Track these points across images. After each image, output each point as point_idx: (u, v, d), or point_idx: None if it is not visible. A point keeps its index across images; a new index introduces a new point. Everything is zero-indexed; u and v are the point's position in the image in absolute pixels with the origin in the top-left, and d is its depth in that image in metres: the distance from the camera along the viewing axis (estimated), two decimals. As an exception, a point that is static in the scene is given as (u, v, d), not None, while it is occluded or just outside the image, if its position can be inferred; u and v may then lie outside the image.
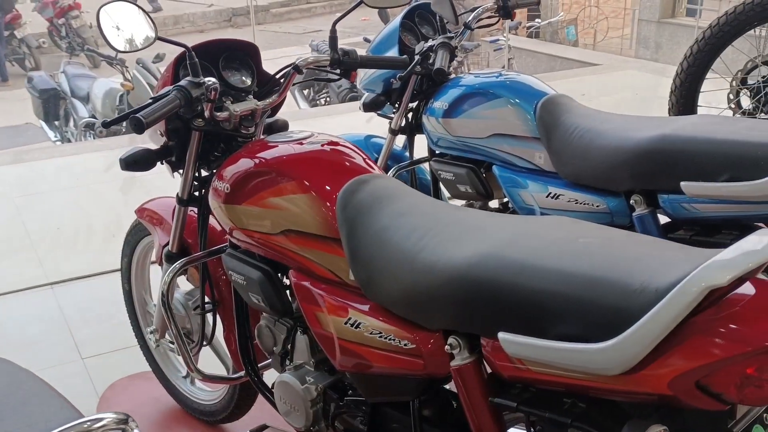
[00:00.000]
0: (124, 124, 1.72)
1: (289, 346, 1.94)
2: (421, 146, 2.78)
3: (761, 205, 1.90)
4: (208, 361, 2.34)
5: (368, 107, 2.66)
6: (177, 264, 2.08)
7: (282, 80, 2.05)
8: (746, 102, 3.11)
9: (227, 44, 2.05)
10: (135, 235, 2.50)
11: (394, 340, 1.54)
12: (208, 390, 2.53)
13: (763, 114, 3.04)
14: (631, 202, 2.13)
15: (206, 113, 1.90)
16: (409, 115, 2.75)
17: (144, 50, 1.82)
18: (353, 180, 1.72)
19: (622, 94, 6.60)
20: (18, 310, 3.30)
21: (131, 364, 2.80)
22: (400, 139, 2.83)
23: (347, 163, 1.81)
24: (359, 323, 1.60)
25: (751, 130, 1.98)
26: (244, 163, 1.86)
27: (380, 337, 1.56)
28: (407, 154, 2.82)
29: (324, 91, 7.85)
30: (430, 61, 2.48)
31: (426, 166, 2.79)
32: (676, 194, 2.03)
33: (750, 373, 1.13)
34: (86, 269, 3.61)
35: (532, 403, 1.35)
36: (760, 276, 1.26)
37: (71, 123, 7.18)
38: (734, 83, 3.10)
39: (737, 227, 2.00)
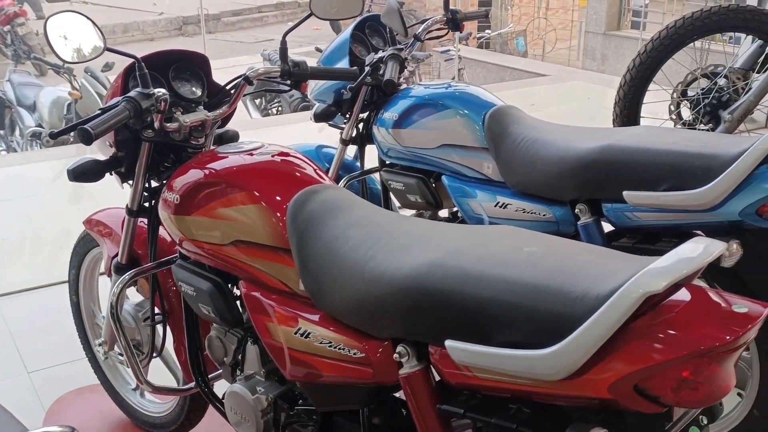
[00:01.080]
0: (73, 134, 1.70)
1: (239, 357, 1.94)
2: (372, 156, 2.80)
3: (699, 214, 1.96)
4: (159, 373, 2.33)
5: (319, 118, 2.68)
6: (126, 275, 2.06)
7: (232, 91, 2.05)
8: (687, 113, 3.20)
9: (177, 55, 2.05)
10: (83, 246, 2.48)
11: (343, 349, 1.55)
12: (158, 402, 2.51)
13: (702, 125, 3.13)
14: (576, 210, 2.18)
15: (156, 124, 1.90)
16: (360, 125, 2.77)
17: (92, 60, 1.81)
18: (303, 191, 1.74)
19: (569, 104, 6.72)
20: (-39, 324, 3.23)
21: (79, 377, 2.76)
22: (352, 149, 2.85)
23: (297, 174, 1.82)
24: (309, 333, 1.61)
25: (691, 141, 2.04)
26: (194, 174, 1.86)
27: (330, 346, 1.58)
28: (359, 164, 2.84)
29: (276, 100, 7.84)
30: (381, 72, 2.51)
31: (377, 176, 2.81)
32: (619, 203, 2.08)
33: (685, 376, 1.17)
34: (33, 281, 3.55)
35: (479, 410, 1.38)
36: (698, 282, 1.31)
37: (17, 132, 7.04)
38: (675, 95, 3.19)
39: (677, 235, 2.06)
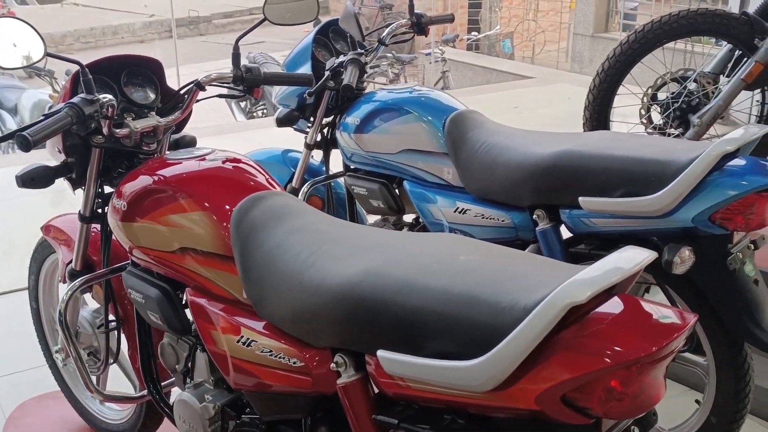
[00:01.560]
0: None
1: (189, 365, 1.92)
2: (338, 161, 2.78)
3: (654, 220, 1.95)
4: (118, 380, 2.31)
5: (281, 122, 2.67)
6: (77, 282, 2.05)
7: (186, 96, 2.04)
8: (657, 117, 3.19)
9: (129, 60, 2.03)
10: (41, 253, 2.46)
11: (284, 358, 1.54)
12: (116, 409, 2.49)
13: (672, 129, 3.12)
14: (534, 216, 2.17)
15: (105, 130, 1.88)
16: (326, 130, 2.76)
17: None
18: (249, 197, 1.72)
19: (552, 106, 6.71)
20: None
21: (42, 383, 2.74)
22: (318, 154, 2.84)
23: (245, 181, 1.80)
24: (251, 341, 1.60)
25: (646, 147, 2.03)
26: (142, 181, 1.84)
27: (271, 355, 1.56)
28: (325, 169, 2.83)
29: (261, 103, 7.83)
30: (342, 76, 2.50)
31: (342, 180, 2.79)
32: (577, 209, 2.06)
33: (612, 386, 1.16)
34: (1, 285, 3.52)
35: (413, 420, 1.36)
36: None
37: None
38: (645, 99, 3.18)
39: (634, 241, 2.03)
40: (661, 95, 3.18)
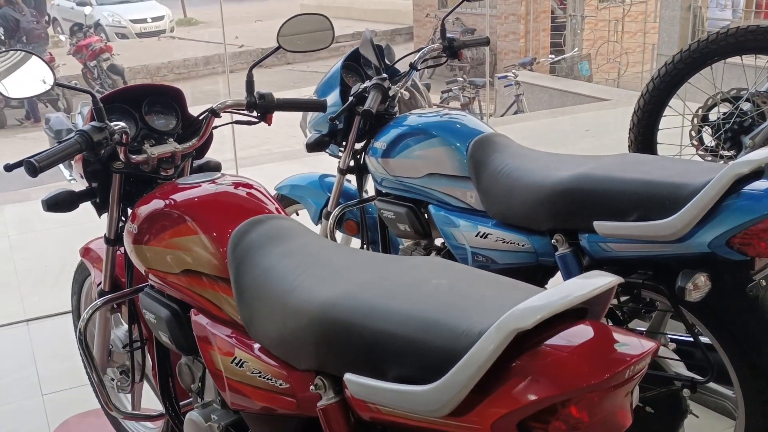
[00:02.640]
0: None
1: (201, 384, 1.96)
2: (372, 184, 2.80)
3: (670, 245, 1.88)
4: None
5: (311, 147, 2.71)
6: (98, 301, 2.12)
7: (203, 122, 2.10)
8: (708, 139, 3.08)
9: (150, 89, 2.11)
10: (81, 274, 2.56)
11: (271, 379, 1.56)
12: (150, 426, 2.56)
13: (724, 150, 3.00)
14: (553, 241, 2.12)
15: (121, 156, 1.96)
16: (359, 155, 2.78)
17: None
18: (247, 221, 1.75)
19: (622, 126, 6.54)
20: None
21: (87, 401, 2.84)
22: (352, 178, 2.86)
23: (247, 204, 1.84)
24: (243, 362, 1.62)
25: (663, 170, 1.96)
26: (153, 205, 1.90)
27: (260, 376, 1.58)
28: (358, 193, 2.85)
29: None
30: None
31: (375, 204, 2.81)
32: (594, 234, 2.01)
33: (570, 414, 1.13)
34: (64, 306, 3.68)
35: None
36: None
37: (87, 162, 7.36)
38: (695, 120, 3.07)
39: (651, 267, 1.97)
40: (713, 116, 3.07)
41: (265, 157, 7.12)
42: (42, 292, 3.91)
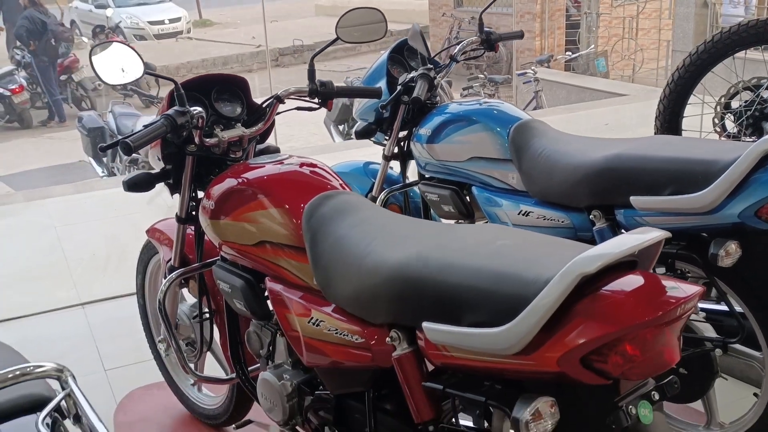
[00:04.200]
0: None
1: (271, 349, 2.14)
2: (414, 171, 2.98)
3: (702, 217, 2.05)
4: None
5: (360, 135, 2.89)
6: (174, 274, 2.31)
7: (267, 109, 2.28)
8: (730, 125, 3.24)
9: (219, 78, 2.29)
10: (147, 253, 2.75)
11: (347, 335, 1.74)
12: (212, 395, 2.75)
13: (745, 137, 3.16)
14: (591, 216, 2.29)
15: (196, 139, 2.14)
16: (402, 142, 2.96)
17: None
18: (319, 195, 1.94)
19: (643, 122, 6.70)
20: (51, 328, 3.58)
21: (148, 375, 3.03)
22: (396, 165, 3.04)
23: (316, 182, 2.02)
24: (320, 322, 1.80)
25: (693, 148, 2.13)
26: (227, 183, 2.09)
27: (336, 333, 1.76)
28: (402, 178, 3.02)
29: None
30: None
31: (418, 188, 2.98)
32: (630, 209, 2.18)
33: (626, 349, 1.30)
34: (116, 291, 3.88)
35: (457, 386, 1.53)
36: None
37: (117, 159, 7.58)
38: (718, 108, 3.24)
39: (684, 238, 2.14)
40: (734, 104, 3.23)
41: (300, 151, 7.31)
42: (93, 278, 4.11)
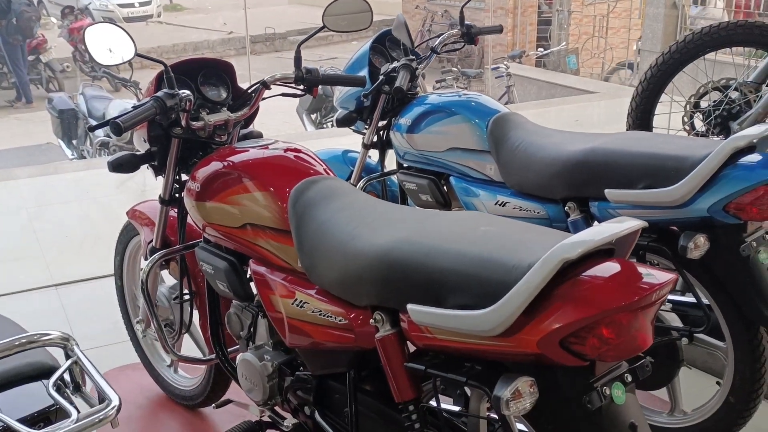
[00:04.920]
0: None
1: (252, 330, 2.18)
2: (393, 160, 3.03)
3: (673, 210, 2.12)
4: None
5: (341, 123, 2.93)
6: (156, 255, 2.34)
7: (253, 94, 2.31)
8: (699, 124, 3.34)
9: (205, 62, 2.32)
10: (126, 235, 2.77)
11: (330, 317, 1.78)
12: (188, 377, 2.78)
13: (713, 135, 3.26)
14: (566, 208, 2.36)
15: (183, 122, 2.17)
16: (382, 131, 3.01)
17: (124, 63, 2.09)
18: (304, 180, 1.98)
19: (613, 119, 6.83)
20: (24, 309, 3.57)
21: (124, 356, 3.04)
22: (375, 153, 3.08)
23: (302, 167, 2.06)
24: (304, 303, 1.85)
25: (666, 144, 2.21)
26: (213, 166, 2.12)
27: (320, 314, 1.81)
28: (380, 166, 3.07)
29: (330, 115, 8.15)
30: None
31: (396, 177, 3.04)
32: (604, 201, 2.26)
33: (602, 332, 1.36)
34: (89, 273, 3.88)
35: (438, 367, 1.58)
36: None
37: (87, 142, 7.52)
38: (688, 107, 3.33)
39: (656, 231, 2.22)
40: (703, 103, 3.32)
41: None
42: (66, 259, 4.10)
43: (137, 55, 2.07)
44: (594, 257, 1.46)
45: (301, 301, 1.86)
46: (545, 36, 12.61)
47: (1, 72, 12.58)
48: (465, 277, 1.48)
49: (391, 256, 1.62)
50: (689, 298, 2.28)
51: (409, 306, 1.55)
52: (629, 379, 1.50)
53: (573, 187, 2.33)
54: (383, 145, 3.01)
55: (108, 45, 1.99)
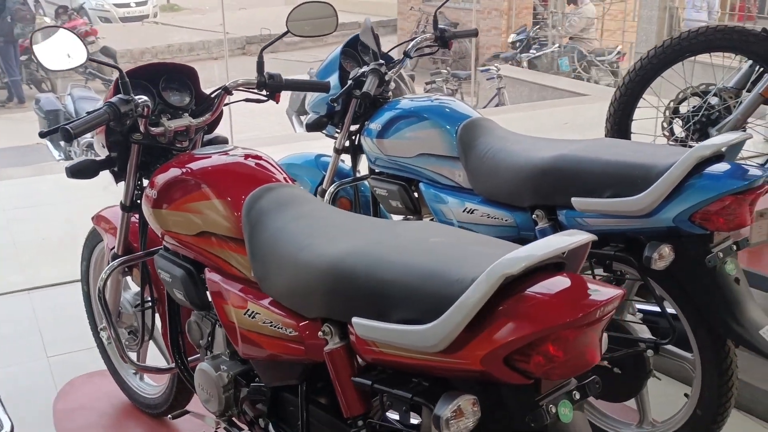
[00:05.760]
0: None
1: (210, 339, 2.14)
2: (366, 164, 2.99)
3: (639, 220, 2.08)
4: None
5: (310, 127, 2.89)
6: (115, 262, 2.30)
7: (215, 100, 2.27)
8: (678, 130, 3.30)
9: (166, 67, 2.28)
10: (92, 240, 2.73)
11: (281, 328, 1.74)
12: (153, 385, 2.74)
13: (692, 141, 3.22)
14: (534, 216, 2.32)
15: (141, 128, 2.13)
16: (354, 136, 2.97)
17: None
18: (260, 188, 1.94)
19: (600, 121, 6.78)
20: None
21: (92, 363, 3.00)
22: (347, 158, 3.04)
23: (259, 174, 2.02)
24: (255, 314, 1.81)
25: (635, 152, 2.17)
26: (171, 173, 2.08)
27: (271, 325, 1.77)
28: (353, 172, 3.03)
29: (321, 117, 8.10)
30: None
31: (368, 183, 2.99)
32: (571, 209, 2.21)
33: (547, 350, 1.32)
34: (64, 276, 3.83)
35: (385, 382, 1.54)
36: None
37: (75, 143, 7.47)
38: (667, 112, 3.29)
39: (622, 240, 2.18)
40: (683, 109, 3.29)
41: (262, 140, 7.30)
42: (41, 262, 4.06)
43: (90, 59, 2.03)
44: (544, 271, 1.42)
45: (253, 311, 1.82)
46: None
47: (-6, 73, 12.53)
48: (409, 290, 1.45)
49: (338, 267, 1.58)
50: (658, 309, 2.24)
51: (354, 319, 1.51)
52: (577, 396, 1.46)
53: (540, 195, 2.28)
54: (355, 150, 2.97)
55: (59, 49, 1.95)
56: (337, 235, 1.71)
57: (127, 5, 19.38)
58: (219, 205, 1.95)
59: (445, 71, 8.17)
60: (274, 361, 1.83)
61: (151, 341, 2.55)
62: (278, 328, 1.75)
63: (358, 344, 1.55)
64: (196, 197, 1.99)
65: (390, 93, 2.87)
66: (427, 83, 8.33)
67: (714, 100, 3.22)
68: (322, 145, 4.03)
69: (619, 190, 2.09)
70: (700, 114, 3.19)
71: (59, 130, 1.90)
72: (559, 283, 1.38)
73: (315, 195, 3.12)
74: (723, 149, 2.09)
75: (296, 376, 1.81)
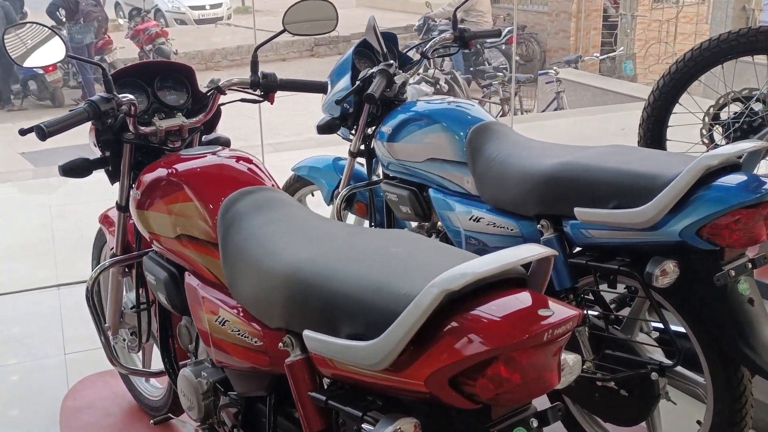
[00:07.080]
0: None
1: (196, 345, 2.09)
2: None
3: (645, 233, 1.94)
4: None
5: (322, 130, 2.82)
6: (106, 262, 2.27)
7: (209, 99, 2.23)
8: (718, 138, 3.11)
9: (162, 66, 2.25)
10: (100, 240, 2.73)
11: (248, 337, 1.68)
12: (157, 386, 2.71)
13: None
14: (539, 226, 2.20)
15: (130, 127, 2.10)
16: (370, 139, 2.88)
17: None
18: (238, 191, 1.88)
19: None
20: (23, 309, 3.58)
21: (107, 361, 3.00)
22: (363, 161, 2.96)
23: (240, 176, 1.96)
24: (225, 321, 1.75)
25: (643, 160, 2.03)
26: (155, 173, 2.04)
27: (238, 334, 1.71)
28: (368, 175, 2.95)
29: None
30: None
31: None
32: (577, 220, 2.08)
33: (496, 372, 1.22)
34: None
35: (339, 399, 1.46)
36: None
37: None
38: (707, 119, 3.10)
39: (628, 254, 2.04)
40: (724, 115, 3.10)
41: (291, 143, 7.30)
42: (75, 259, 4.11)
43: (69, 56, 2.01)
44: (504, 286, 1.32)
45: (223, 318, 1.76)
46: (611, 41, 12.24)
47: (68, 71, 12.88)
48: (357, 303, 1.37)
49: (295, 276, 1.51)
50: (676, 328, 2.09)
51: (305, 332, 1.44)
52: (535, 424, 1.34)
53: (545, 204, 2.16)
54: (370, 154, 2.89)
55: (35, 46, 1.93)
56: (304, 241, 1.64)
57: (203, 7, 19.72)
58: (198, 208, 1.90)
59: (501, 74, 7.99)
60: (243, 370, 1.77)
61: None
62: (245, 336, 1.69)
63: (315, 359, 1.48)
64: (176, 198, 1.95)
65: (406, 95, 2.78)
66: (483, 87, 8.15)
67: (758, 106, 3.03)
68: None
69: (623, 200, 1.96)
70: (741, 120, 3.00)
71: (35, 128, 1.88)
72: (513, 302, 1.28)
73: (332, 198, 3.06)
74: (740, 159, 1.94)
75: (264, 387, 1.75)
